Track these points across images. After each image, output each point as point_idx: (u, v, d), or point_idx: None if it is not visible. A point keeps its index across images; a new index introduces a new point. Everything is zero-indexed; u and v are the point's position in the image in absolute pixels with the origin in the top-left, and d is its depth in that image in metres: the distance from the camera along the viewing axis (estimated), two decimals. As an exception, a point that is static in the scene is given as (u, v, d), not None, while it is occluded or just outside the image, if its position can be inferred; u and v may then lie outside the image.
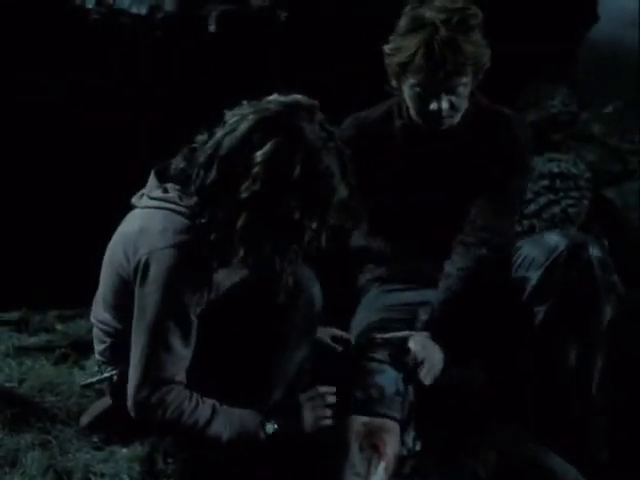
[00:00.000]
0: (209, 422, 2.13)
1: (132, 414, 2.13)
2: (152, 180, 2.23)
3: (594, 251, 2.40)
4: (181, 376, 2.12)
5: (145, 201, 2.21)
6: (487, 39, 2.47)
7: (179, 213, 2.13)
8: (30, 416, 2.36)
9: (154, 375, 2.09)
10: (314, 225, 2.10)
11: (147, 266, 2.09)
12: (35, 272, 3.27)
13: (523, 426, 2.43)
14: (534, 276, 2.43)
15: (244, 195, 2.05)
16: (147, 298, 2.09)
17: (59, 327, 2.96)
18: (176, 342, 2.09)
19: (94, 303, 2.34)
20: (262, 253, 2.10)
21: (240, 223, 2.07)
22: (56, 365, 2.68)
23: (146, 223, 2.15)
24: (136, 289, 2.12)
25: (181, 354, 2.10)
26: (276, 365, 2.23)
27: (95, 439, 2.29)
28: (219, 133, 2.11)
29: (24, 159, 3.40)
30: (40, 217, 3.36)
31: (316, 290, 2.27)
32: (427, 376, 2.36)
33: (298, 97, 2.13)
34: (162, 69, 3.47)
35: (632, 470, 2.46)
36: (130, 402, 2.12)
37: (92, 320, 2.34)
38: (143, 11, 3.51)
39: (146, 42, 3.48)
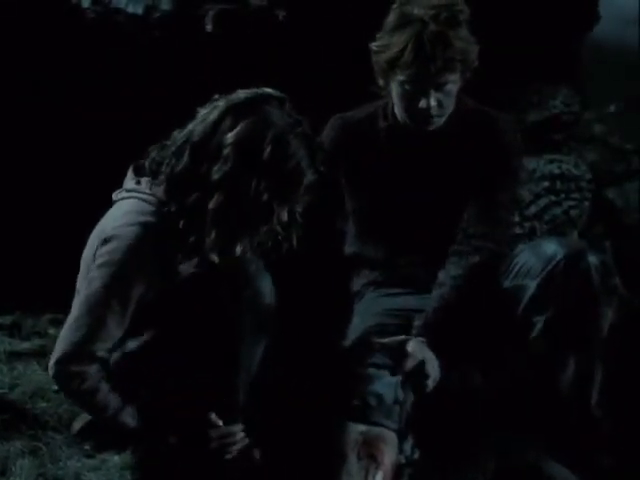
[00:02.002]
0: (121, 409, 2.16)
1: (52, 378, 2.18)
2: (129, 174, 2.30)
3: (592, 259, 2.36)
4: (103, 353, 2.16)
5: (121, 194, 2.27)
6: (489, 39, 2.45)
7: (145, 200, 2.19)
8: (21, 423, 2.35)
9: (80, 345, 2.14)
10: (283, 210, 2.16)
11: (107, 242, 2.15)
12: (29, 275, 3.23)
13: (523, 433, 2.40)
14: (531, 285, 2.39)
15: (216, 177, 2.12)
16: (98, 269, 2.15)
17: (52, 332, 2.93)
18: (111, 319, 2.14)
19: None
20: (233, 236, 2.15)
21: (212, 205, 2.13)
22: (48, 371, 2.64)
23: (114, 210, 2.24)
24: (92, 264, 2.17)
25: (111, 332, 2.15)
26: (234, 362, 2.23)
27: (86, 446, 2.28)
28: (190, 124, 2.19)
29: (18, 160, 3.36)
30: (34, 219, 3.32)
31: (264, 282, 2.29)
32: (429, 376, 2.32)
33: (267, 89, 2.21)
34: (159, 69, 3.44)
35: (635, 478, 2.43)
36: (51, 364, 2.16)
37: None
38: (139, 10, 3.48)
39: (143, 42, 3.44)
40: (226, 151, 2.12)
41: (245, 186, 2.12)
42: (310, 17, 3.50)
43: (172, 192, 2.16)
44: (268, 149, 2.12)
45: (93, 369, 2.15)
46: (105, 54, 3.40)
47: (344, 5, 3.48)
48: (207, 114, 2.17)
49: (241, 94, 2.19)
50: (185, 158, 2.15)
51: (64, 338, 2.16)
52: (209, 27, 3.45)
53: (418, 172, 2.54)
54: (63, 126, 3.39)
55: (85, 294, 2.16)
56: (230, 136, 2.12)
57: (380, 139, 2.58)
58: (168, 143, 2.22)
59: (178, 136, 2.19)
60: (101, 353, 2.15)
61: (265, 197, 2.13)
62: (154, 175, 2.21)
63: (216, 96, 2.21)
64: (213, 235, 2.14)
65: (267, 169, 2.12)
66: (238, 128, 2.12)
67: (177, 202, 2.15)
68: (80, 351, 2.13)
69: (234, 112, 2.15)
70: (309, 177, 2.18)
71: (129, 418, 2.17)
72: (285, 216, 2.18)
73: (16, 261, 3.26)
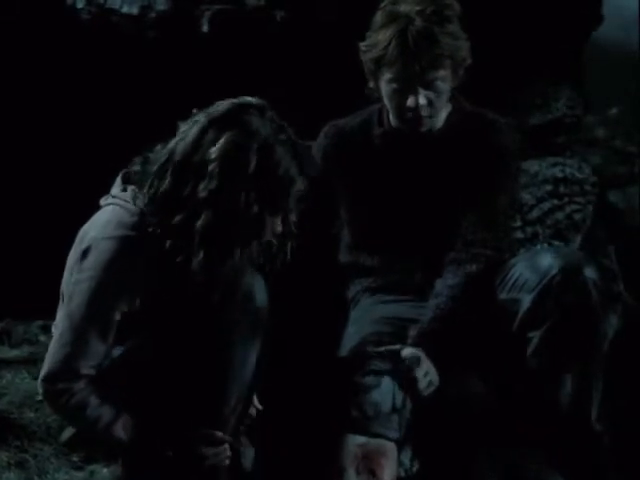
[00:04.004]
0: (112, 422, 2.13)
1: (41, 396, 2.16)
2: (117, 180, 2.26)
3: (589, 273, 2.30)
4: (88, 370, 2.13)
5: (107, 200, 2.24)
6: (491, 40, 2.41)
7: (127, 210, 2.15)
8: (7, 433, 2.32)
9: (64, 363, 2.11)
10: (276, 221, 2.12)
11: (86, 254, 2.12)
12: (20, 281, 3.18)
13: (525, 447, 2.35)
14: (526, 299, 2.34)
15: (202, 195, 2.07)
16: (77, 285, 2.12)
17: (42, 339, 2.90)
18: (93, 335, 2.11)
19: (57, 311, 2.31)
20: (223, 254, 2.11)
21: (200, 224, 2.07)
22: (37, 379, 2.59)
23: (97, 216, 2.21)
24: (73, 277, 2.15)
25: (95, 348, 2.12)
26: (227, 367, 2.18)
27: (75, 458, 2.25)
28: (172, 142, 2.14)
29: (8, 163, 3.33)
30: (25, 225, 3.29)
31: (255, 285, 2.23)
32: (424, 379, 2.29)
33: (247, 97, 2.16)
34: (154, 70, 3.41)
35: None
36: (39, 382, 2.14)
37: (52, 329, 2.30)
38: (134, 11, 3.44)
39: (138, 42, 3.42)
40: (211, 167, 2.05)
41: (234, 201, 2.06)
42: (308, 18, 3.45)
43: (156, 213, 2.12)
44: (254, 160, 2.06)
45: (80, 385, 2.12)
46: (100, 55, 3.37)
47: (343, 6, 3.42)
48: (187, 130, 2.11)
49: (220, 106, 2.12)
50: (168, 178, 2.09)
51: (50, 356, 2.14)
52: (205, 28, 3.41)
53: (415, 178, 2.50)
54: (55, 128, 3.36)
55: (67, 311, 2.14)
56: (213, 151, 2.06)
57: (375, 146, 2.54)
58: (151, 156, 2.17)
59: (160, 153, 2.14)
60: (86, 370, 2.12)
61: (255, 209, 2.07)
62: (139, 186, 2.17)
63: (195, 110, 2.16)
64: (201, 255, 2.08)
65: (255, 180, 2.06)
66: (221, 141, 2.06)
67: (161, 222, 2.10)
68: (65, 369, 2.11)
69: (215, 126, 2.07)
70: (299, 184, 2.12)
71: (121, 432, 2.13)
72: (279, 227, 2.13)
73: (7, 267, 3.21)
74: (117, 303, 2.11)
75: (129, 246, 2.11)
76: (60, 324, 2.16)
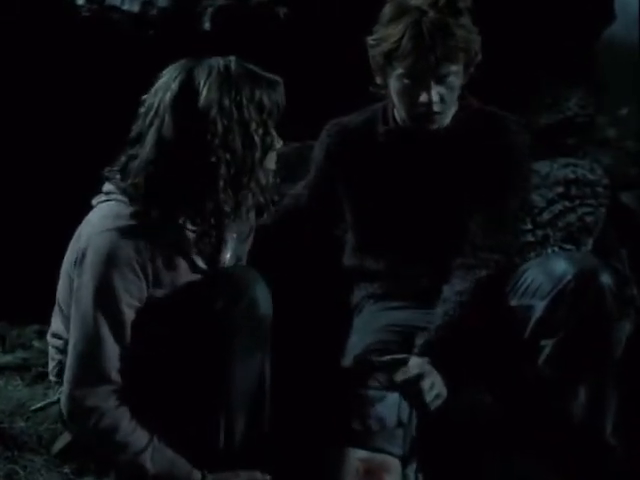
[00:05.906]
0: (141, 452, 2.06)
1: (66, 417, 2.08)
2: (105, 176, 2.24)
3: (605, 278, 2.23)
4: (114, 374, 2.08)
5: (99, 198, 2.22)
6: (502, 37, 2.37)
7: (120, 201, 2.13)
8: None
9: (88, 372, 2.06)
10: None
11: (84, 254, 2.08)
12: (15, 285, 3.15)
13: (537, 459, 2.30)
14: (539, 306, 2.27)
15: (216, 142, 2.08)
16: (82, 289, 2.08)
17: (37, 344, 2.86)
18: (108, 335, 2.06)
19: (52, 318, 2.27)
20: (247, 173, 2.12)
21: (216, 164, 2.08)
22: (31, 386, 2.57)
23: (90, 216, 2.18)
24: (75, 283, 2.10)
25: (114, 348, 2.08)
26: (229, 376, 2.12)
27: (66, 470, 2.20)
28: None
29: (5, 163, 3.31)
30: (21, 228, 3.27)
31: (260, 292, 2.16)
32: (430, 392, 2.22)
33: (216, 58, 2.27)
34: (155, 68, 3.35)
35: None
36: (63, 402, 2.07)
37: (47, 337, 2.27)
38: (135, 8, 3.43)
39: (138, 40, 3.40)
40: (169, 114, 2.10)
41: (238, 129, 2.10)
42: (312, 14, 3.44)
43: (138, 185, 2.10)
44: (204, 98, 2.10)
45: (110, 403, 2.06)
46: (100, 53, 3.35)
47: (345, 2, 3.40)
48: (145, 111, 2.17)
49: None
50: (146, 152, 2.10)
51: (70, 369, 2.08)
52: (207, 25, 3.40)
53: (421, 178, 2.45)
54: (53, 127, 3.34)
55: (77, 317, 2.08)
56: (168, 99, 2.12)
57: (379, 144, 2.49)
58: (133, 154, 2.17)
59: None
60: (113, 374, 2.06)
61: (216, 142, 2.08)
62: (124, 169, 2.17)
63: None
64: (230, 194, 2.11)
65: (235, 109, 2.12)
66: (174, 87, 2.14)
67: (144, 191, 2.09)
68: (88, 375, 2.06)
69: (163, 80, 2.18)
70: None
71: (148, 463, 2.07)
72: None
73: (2, 270, 3.19)
74: (126, 297, 2.06)
75: (131, 234, 2.07)
76: (73, 335, 2.09)
